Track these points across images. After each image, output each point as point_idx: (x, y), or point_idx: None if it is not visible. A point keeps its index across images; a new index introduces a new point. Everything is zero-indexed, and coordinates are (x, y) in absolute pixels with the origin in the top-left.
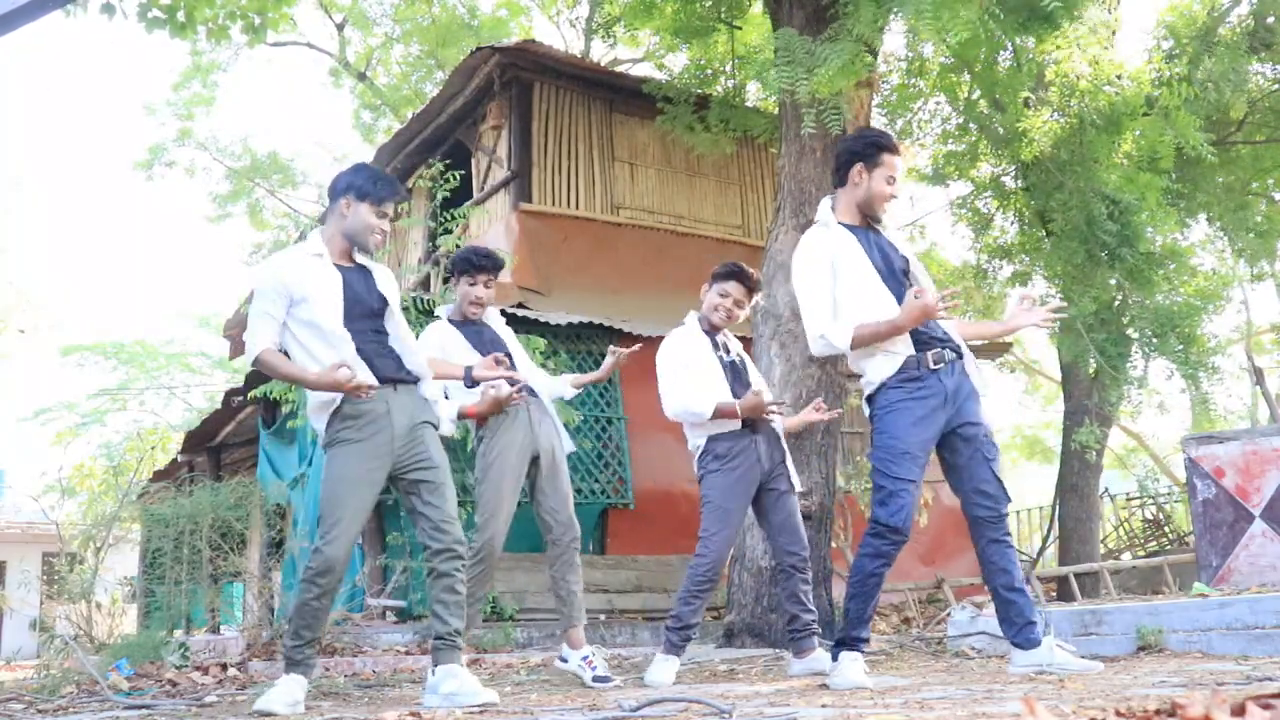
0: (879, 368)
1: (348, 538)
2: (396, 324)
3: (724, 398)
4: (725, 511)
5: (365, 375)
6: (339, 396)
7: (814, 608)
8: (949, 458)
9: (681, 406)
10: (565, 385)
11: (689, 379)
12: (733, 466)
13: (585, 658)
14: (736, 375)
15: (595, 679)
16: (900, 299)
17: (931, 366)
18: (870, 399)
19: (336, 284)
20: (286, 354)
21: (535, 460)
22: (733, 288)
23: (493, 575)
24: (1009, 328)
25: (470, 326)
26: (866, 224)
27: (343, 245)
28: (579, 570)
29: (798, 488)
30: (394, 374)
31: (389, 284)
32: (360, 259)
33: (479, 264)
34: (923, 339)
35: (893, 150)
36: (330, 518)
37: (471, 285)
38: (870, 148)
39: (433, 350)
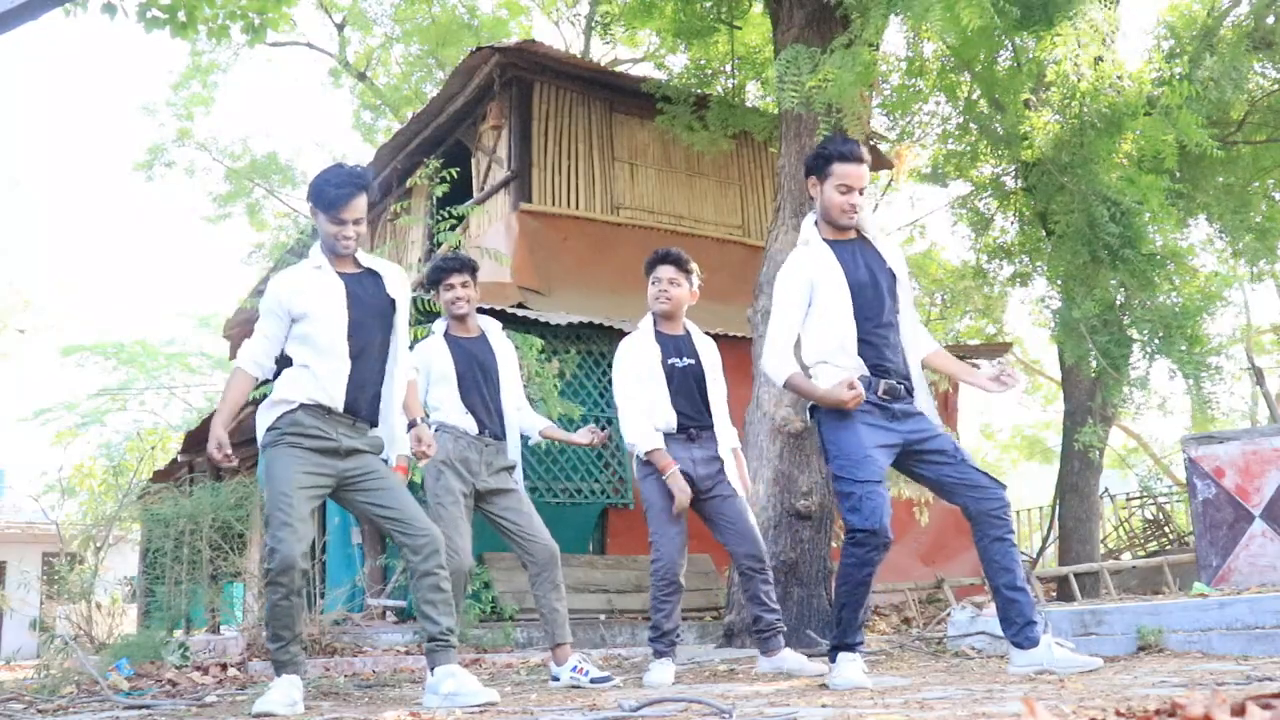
0: (830, 379)
1: (299, 537)
2: (398, 335)
3: (659, 442)
4: (666, 512)
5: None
6: (296, 401)
7: (776, 606)
8: (928, 472)
9: (629, 437)
10: (535, 430)
11: (639, 399)
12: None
13: (575, 668)
14: (688, 383)
15: (594, 681)
16: (876, 316)
17: (880, 394)
18: (815, 409)
19: (339, 294)
20: (289, 362)
21: (482, 495)
22: (661, 271)
23: (463, 592)
24: (971, 381)
25: (461, 343)
26: (858, 236)
27: (336, 256)
28: (561, 589)
29: (741, 493)
30: (361, 410)
31: (399, 285)
32: (368, 262)
33: (446, 267)
34: (881, 368)
35: (843, 158)
36: (278, 520)
37: (448, 290)
38: (818, 160)
39: (415, 368)
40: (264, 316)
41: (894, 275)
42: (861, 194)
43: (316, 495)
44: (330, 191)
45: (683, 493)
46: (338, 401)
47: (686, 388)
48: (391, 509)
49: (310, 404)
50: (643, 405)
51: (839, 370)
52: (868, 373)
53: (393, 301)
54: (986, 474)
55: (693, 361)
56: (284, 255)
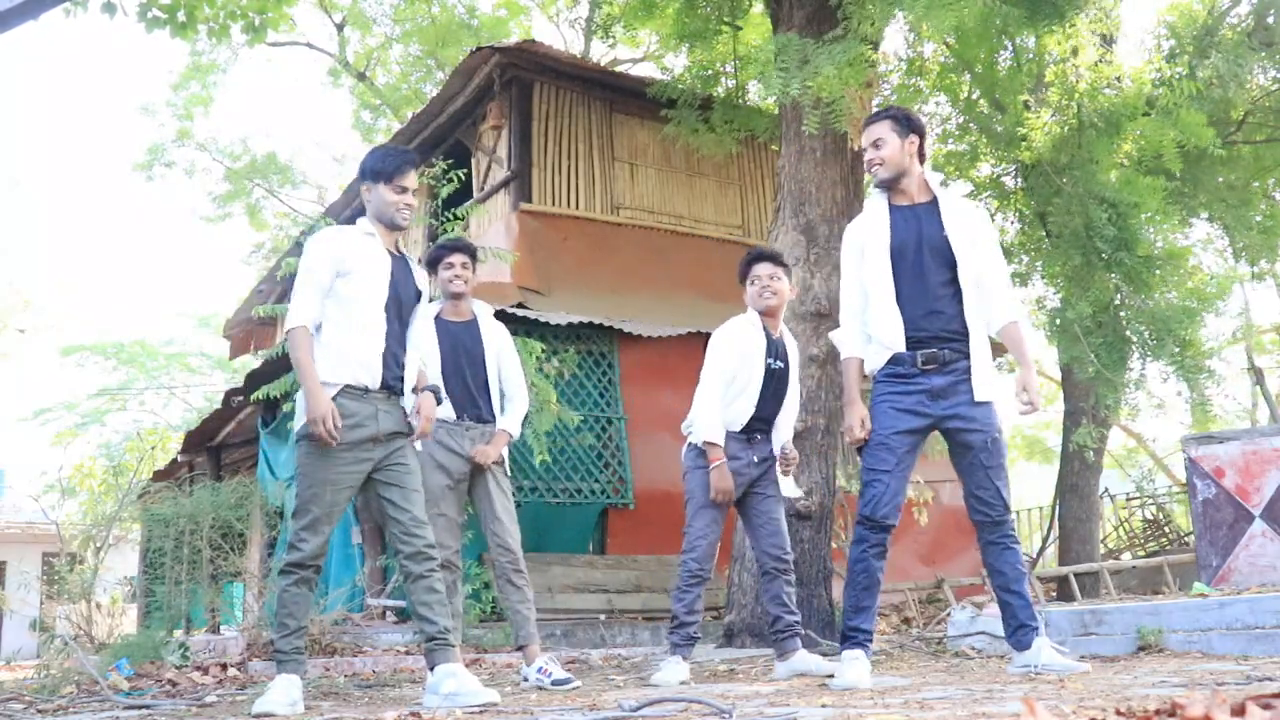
0: (869, 359)
1: (324, 533)
2: (417, 321)
3: (722, 437)
4: (708, 509)
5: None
6: (337, 385)
7: (796, 609)
8: (952, 459)
9: (696, 421)
10: (517, 426)
11: (723, 388)
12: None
13: (540, 669)
14: (778, 389)
15: (555, 683)
16: (916, 280)
17: (920, 366)
18: None
19: (385, 266)
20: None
21: (468, 478)
22: (759, 269)
23: (458, 587)
24: (1017, 380)
25: (450, 327)
26: (930, 200)
27: (385, 230)
28: (523, 590)
29: (788, 494)
30: (394, 382)
31: (423, 279)
32: (402, 250)
33: (447, 246)
34: (919, 338)
35: (866, 125)
36: (307, 515)
37: (447, 269)
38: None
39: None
40: (313, 270)
41: (948, 240)
42: (878, 148)
43: (350, 491)
44: (391, 161)
45: (725, 490)
46: (375, 379)
47: (776, 392)
48: (399, 508)
49: (350, 385)
50: (722, 395)
51: (882, 349)
52: (905, 348)
53: (418, 292)
54: (997, 488)
55: (783, 366)
56: (285, 254)
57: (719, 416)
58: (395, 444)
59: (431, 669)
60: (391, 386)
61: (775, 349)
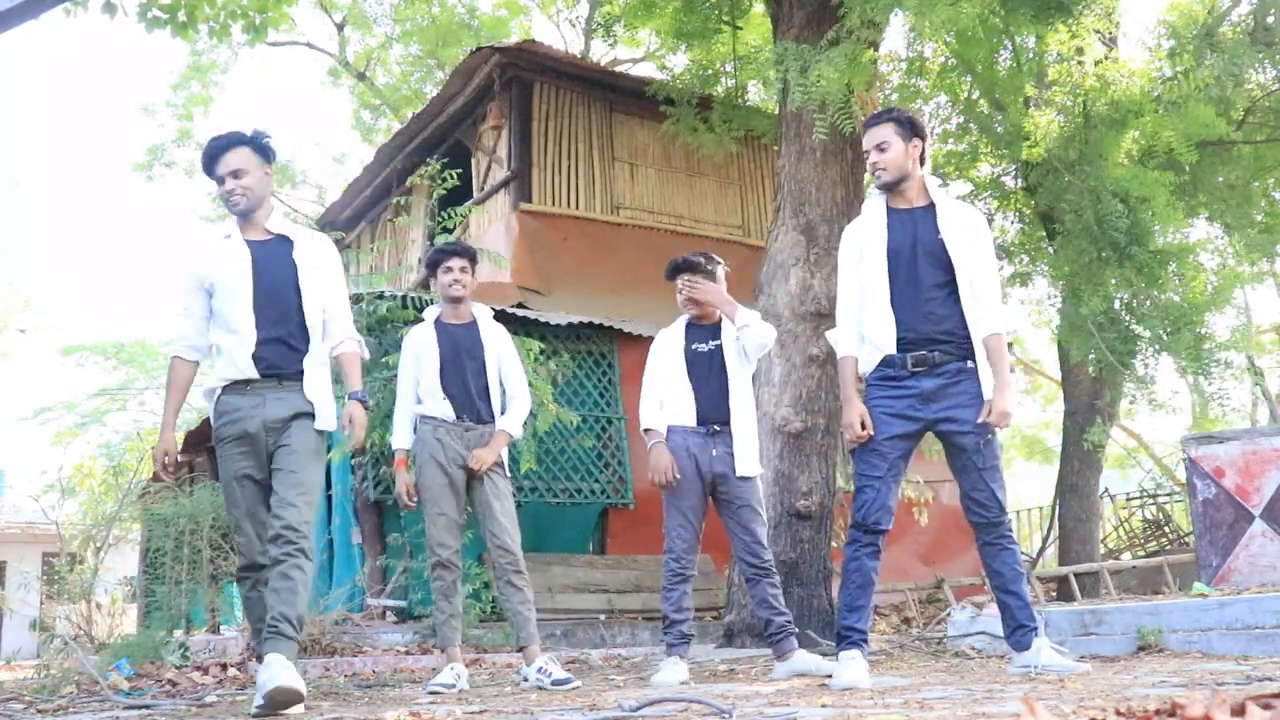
0: (862, 359)
1: (249, 533)
2: (320, 294)
3: (659, 424)
4: (677, 508)
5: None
6: (218, 388)
7: (785, 609)
8: (949, 460)
9: (641, 410)
10: (518, 426)
11: (657, 381)
12: (681, 465)
13: (540, 669)
14: (711, 368)
15: (555, 683)
16: (910, 283)
17: (910, 368)
18: None
19: (245, 261)
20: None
21: (467, 477)
22: (680, 281)
23: (458, 587)
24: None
25: (450, 329)
26: (928, 204)
27: (243, 220)
28: (523, 591)
29: (750, 472)
30: (285, 367)
31: (310, 249)
32: (280, 229)
33: (447, 250)
34: (910, 340)
35: (868, 127)
36: (232, 517)
37: (446, 272)
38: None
39: (406, 360)
40: (181, 295)
41: (943, 243)
42: (882, 151)
43: (255, 486)
44: (205, 154)
45: (660, 469)
46: (252, 372)
47: (709, 373)
48: (274, 491)
49: (228, 382)
50: (658, 392)
51: (874, 350)
52: (896, 350)
53: (295, 264)
54: (991, 489)
55: (718, 343)
56: None
57: (653, 408)
58: (286, 429)
59: (258, 657)
60: (281, 373)
61: (702, 334)
